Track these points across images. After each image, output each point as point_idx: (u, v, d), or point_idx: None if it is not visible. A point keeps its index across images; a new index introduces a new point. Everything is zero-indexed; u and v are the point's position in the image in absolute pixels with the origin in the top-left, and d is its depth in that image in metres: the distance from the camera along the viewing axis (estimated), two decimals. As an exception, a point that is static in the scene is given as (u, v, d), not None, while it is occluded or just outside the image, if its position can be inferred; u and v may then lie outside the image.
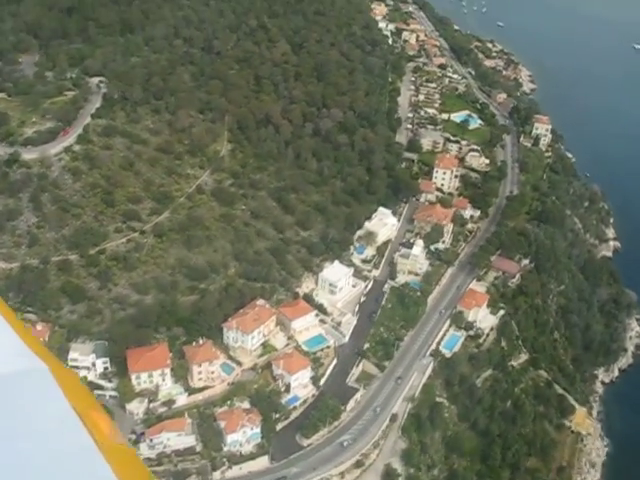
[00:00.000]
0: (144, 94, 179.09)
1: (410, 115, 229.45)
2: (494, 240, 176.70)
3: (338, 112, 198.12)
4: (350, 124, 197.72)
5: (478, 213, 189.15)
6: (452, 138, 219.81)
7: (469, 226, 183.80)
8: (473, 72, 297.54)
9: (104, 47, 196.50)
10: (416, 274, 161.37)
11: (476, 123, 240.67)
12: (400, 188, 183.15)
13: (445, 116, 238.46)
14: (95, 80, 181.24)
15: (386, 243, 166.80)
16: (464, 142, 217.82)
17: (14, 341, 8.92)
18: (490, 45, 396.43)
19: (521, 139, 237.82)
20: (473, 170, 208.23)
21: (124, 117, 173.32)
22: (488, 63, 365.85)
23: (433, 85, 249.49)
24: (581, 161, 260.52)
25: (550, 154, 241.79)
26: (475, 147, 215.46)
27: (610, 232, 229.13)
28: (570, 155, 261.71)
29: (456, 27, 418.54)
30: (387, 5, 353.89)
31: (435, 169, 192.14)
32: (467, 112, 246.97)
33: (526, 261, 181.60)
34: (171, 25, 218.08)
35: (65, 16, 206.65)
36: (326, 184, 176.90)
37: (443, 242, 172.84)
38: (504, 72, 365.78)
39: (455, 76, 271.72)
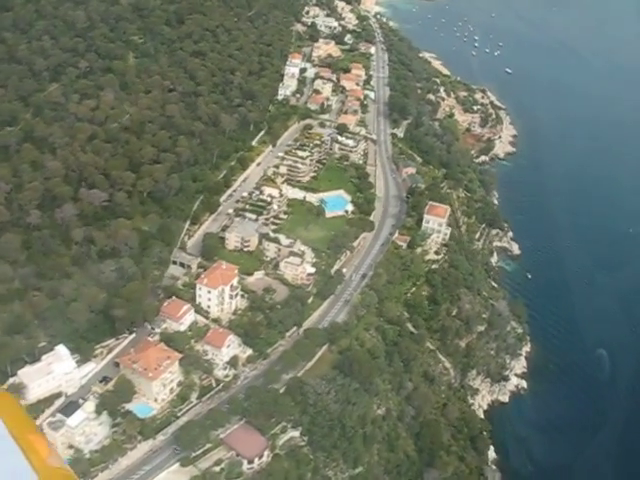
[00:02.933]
0: None
1: (245, 195, 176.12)
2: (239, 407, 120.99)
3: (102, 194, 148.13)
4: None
5: (248, 353, 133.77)
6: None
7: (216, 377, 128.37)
8: (401, 134, 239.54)
9: None
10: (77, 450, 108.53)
11: (342, 208, 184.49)
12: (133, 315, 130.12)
13: (301, 195, 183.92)
14: None
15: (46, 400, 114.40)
16: (289, 241, 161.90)
17: None
18: (479, 96, 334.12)
19: (394, 236, 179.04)
20: (287, 283, 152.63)
21: None
22: (462, 118, 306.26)
23: (304, 154, 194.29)
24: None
25: (440, 259, 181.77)
26: (301, 249, 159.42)
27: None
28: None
29: (446, 72, 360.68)
30: (340, 44, 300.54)
31: (198, 285, 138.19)
32: (341, 192, 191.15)
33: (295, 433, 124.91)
34: None
35: None
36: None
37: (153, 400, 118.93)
38: (479, 130, 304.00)
39: (359, 139, 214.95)
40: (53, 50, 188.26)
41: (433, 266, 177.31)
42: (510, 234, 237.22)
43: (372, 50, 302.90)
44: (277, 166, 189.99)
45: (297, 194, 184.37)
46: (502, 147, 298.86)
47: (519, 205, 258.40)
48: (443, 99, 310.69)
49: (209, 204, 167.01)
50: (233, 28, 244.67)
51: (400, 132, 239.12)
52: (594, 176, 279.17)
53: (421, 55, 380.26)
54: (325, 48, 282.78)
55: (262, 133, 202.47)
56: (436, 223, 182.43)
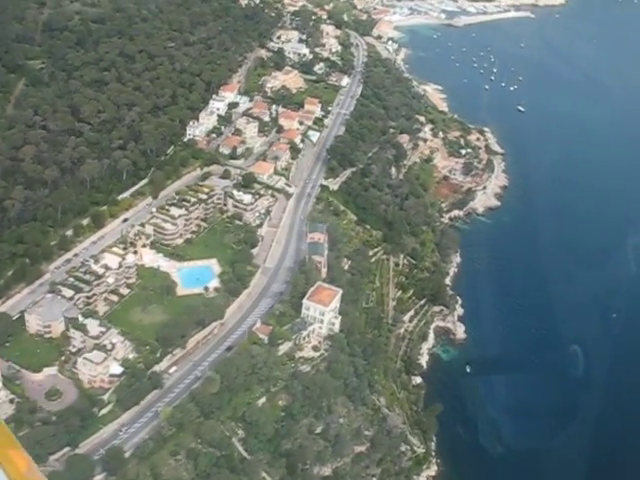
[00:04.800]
0: None
1: (78, 263, 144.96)
2: None
3: None
4: None
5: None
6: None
7: None
8: (336, 186, 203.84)
9: None
10: None
11: (203, 284, 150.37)
12: None
13: (158, 264, 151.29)
14: None
15: None
16: (100, 329, 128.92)
17: None
18: (474, 137, 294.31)
19: (256, 326, 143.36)
20: (80, 386, 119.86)
21: None
22: (444, 164, 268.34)
23: (180, 212, 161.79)
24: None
25: (317, 357, 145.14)
26: (113, 341, 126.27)
27: None
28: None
29: (444, 107, 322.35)
30: (308, 73, 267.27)
31: None
32: (212, 262, 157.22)
33: None
34: None
35: None
36: None
37: None
38: (459, 179, 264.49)
39: (263, 194, 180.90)
40: None
41: (303, 367, 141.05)
42: (459, 312, 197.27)
43: (344, 82, 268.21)
44: (143, 225, 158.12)
45: (157, 262, 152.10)
46: (484, 200, 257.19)
47: (484, 275, 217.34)
48: (425, 140, 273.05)
49: (25, 273, 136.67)
50: (160, 54, 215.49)
51: (335, 184, 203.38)
52: (590, 248, 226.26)
53: (422, 87, 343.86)
54: (283, 78, 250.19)
55: (143, 183, 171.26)
56: (318, 311, 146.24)
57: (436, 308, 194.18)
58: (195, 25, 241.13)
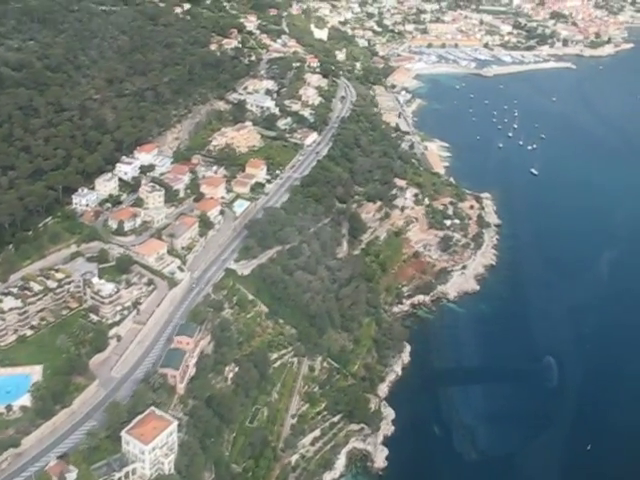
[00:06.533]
0: None
1: None
2: None
3: None
4: None
5: None
6: None
7: None
8: (247, 270, 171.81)
9: None
10: None
11: (9, 401, 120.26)
12: None
13: None
14: None
15: None
16: None
17: None
18: (468, 205, 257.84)
19: (49, 465, 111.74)
20: None
21: None
22: (419, 237, 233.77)
23: (16, 303, 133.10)
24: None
25: None
26: None
27: None
28: None
29: (441, 168, 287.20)
30: (270, 129, 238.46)
31: None
32: (34, 370, 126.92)
33: None
34: None
35: None
36: None
37: None
38: (434, 256, 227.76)
39: (132, 282, 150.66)
40: None
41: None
42: (386, 432, 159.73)
43: (309, 140, 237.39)
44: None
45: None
46: (459, 283, 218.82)
47: (435, 382, 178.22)
48: (403, 209, 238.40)
49: None
50: (73, 107, 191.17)
51: (247, 267, 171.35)
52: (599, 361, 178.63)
53: (425, 144, 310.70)
54: (232, 135, 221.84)
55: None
56: (137, 448, 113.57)
57: (355, 426, 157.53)
58: (133, 75, 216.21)
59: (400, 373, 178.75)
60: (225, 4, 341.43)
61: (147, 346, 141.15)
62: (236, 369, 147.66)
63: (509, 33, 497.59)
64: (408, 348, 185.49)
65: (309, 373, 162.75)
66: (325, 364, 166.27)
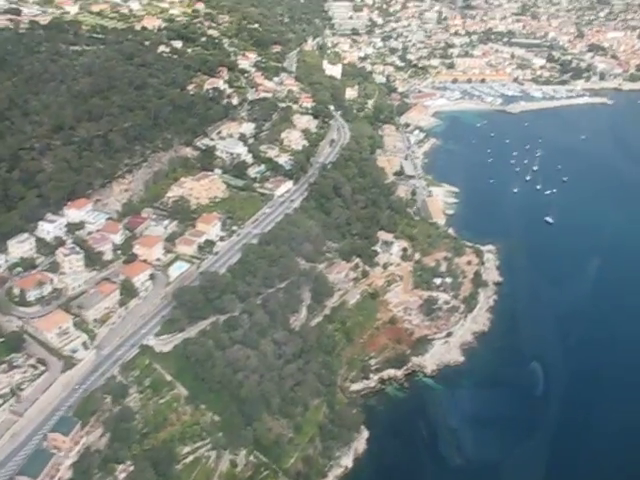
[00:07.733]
0: None
1: None
2: None
3: None
4: None
5: None
6: None
7: None
8: (168, 346, 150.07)
9: None
10: None
11: None
12: None
13: None
14: None
15: None
16: None
17: None
18: (465, 260, 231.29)
19: None
20: None
21: None
22: (400, 299, 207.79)
23: None
24: None
25: None
26: None
27: None
28: None
29: (440, 218, 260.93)
30: (239, 177, 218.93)
31: None
32: None
33: None
34: None
35: None
36: None
37: None
38: (415, 321, 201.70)
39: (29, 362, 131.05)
40: None
41: None
42: None
43: (281, 189, 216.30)
44: None
45: None
46: (440, 354, 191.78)
47: (397, 476, 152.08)
48: (386, 266, 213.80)
49: None
50: (4, 159, 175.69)
51: (168, 343, 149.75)
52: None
53: (432, 189, 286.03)
54: (191, 186, 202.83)
55: None
56: None
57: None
58: (86, 120, 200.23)
59: (351, 465, 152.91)
60: (225, 41, 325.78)
61: (21, 442, 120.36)
62: (131, 468, 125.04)
63: (542, 67, 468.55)
64: (366, 434, 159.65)
65: (230, 469, 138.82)
66: (252, 458, 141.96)
